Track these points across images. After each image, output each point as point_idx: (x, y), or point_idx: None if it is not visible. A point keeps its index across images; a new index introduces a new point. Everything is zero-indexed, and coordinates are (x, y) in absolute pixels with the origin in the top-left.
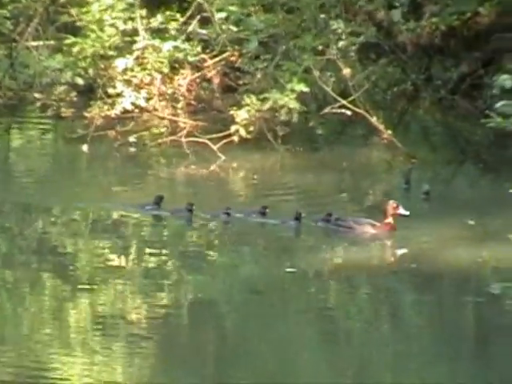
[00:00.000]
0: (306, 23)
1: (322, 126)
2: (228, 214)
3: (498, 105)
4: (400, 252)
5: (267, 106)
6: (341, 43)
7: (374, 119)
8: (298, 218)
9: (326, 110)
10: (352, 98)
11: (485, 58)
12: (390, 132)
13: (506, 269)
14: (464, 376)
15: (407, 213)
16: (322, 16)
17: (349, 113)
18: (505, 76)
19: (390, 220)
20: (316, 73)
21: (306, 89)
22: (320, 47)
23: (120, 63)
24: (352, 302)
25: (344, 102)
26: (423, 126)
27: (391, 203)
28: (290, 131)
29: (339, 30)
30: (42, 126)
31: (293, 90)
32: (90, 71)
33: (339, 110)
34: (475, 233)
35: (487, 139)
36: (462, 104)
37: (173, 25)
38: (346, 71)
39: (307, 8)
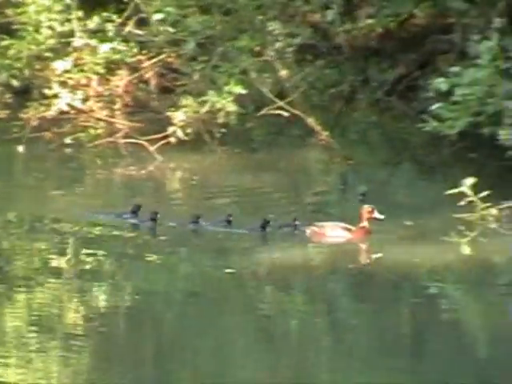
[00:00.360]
0: (242, 25)
1: (259, 127)
2: (196, 222)
3: (434, 107)
4: (338, 252)
5: (205, 109)
6: (278, 45)
7: (311, 120)
8: (263, 227)
9: (264, 111)
10: (289, 99)
11: (421, 59)
12: (326, 133)
13: (442, 269)
14: (400, 376)
15: (382, 217)
16: (259, 17)
17: (286, 114)
18: (440, 79)
19: (364, 224)
20: (253, 74)
21: (243, 91)
22: (257, 49)
23: (59, 65)
24: (289, 303)
25: (281, 103)
26: (360, 127)
27: (366, 207)
28: (227, 132)
29: (276, 32)
30: None
31: (230, 92)
32: (26, 72)
33: (276, 112)
34: (412, 233)
35: (423, 141)
36: (398, 105)
37: (110, 26)
38: (283, 73)
39: (244, 9)
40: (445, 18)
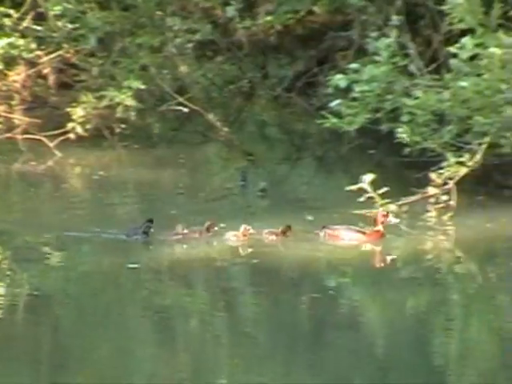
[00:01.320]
0: (142, 20)
1: (159, 123)
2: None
3: (333, 104)
4: (240, 248)
5: (104, 103)
6: (177, 40)
7: (210, 116)
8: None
9: (163, 107)
10: (189, 95)
11: (319, 56)
12: (226, 129)
13: (342, 264)
14: (299, 372)
15: (397, 221)
16: (159, 13)
17: (186, 110)
18: (339, 75)
19: (379, 228)
20: (153, 70)
21: (142, 86)
22: (157, 44)
23: None
24: (189, 300)
25: (181, 99)
26: (260, 123)
27: (381, 211)
28: (127, 128)
29: (175, 28)
30: None
31: (130, 88)
32: None
33: (176, 107)
34: (313, 228)
35: (323, 137)
36: (298, 102)
37: (7, 21)
38: (183, 68)
39: (143, 5)
40: (343, 15)
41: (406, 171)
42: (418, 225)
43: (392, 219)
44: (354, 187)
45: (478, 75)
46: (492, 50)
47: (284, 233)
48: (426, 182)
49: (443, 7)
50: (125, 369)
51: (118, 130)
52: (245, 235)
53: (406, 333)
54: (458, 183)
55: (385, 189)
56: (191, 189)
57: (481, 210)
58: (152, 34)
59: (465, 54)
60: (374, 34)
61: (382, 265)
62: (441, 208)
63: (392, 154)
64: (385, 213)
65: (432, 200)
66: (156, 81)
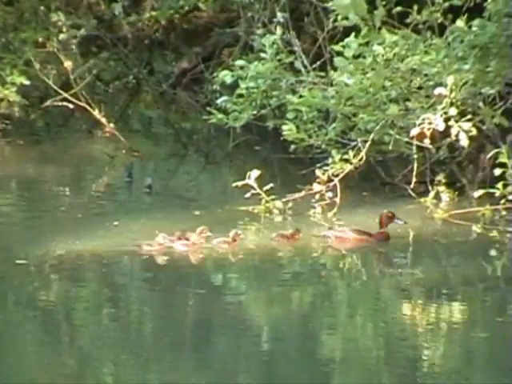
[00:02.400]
0: (26, 15)
1: (43, 119)
2: None
3: (219, 100)
4: (128, 244)
5: None
6: (62, 36)
7: (96, 112)
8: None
9: (48, 102)
10: (74, 90)
11: (205, 52)
12: (112, 125)
13: (227, 260)
14: (185, 371)
15: (402, 222)
16: (43, 8)
17: (71, 106)
18: (225, 71)
19: (385, 229)
20: (37, 65)
21: (26, 81)
22: (41, 40)
23: None
24: (78, 296)
25: (66, 94)
26: (146, 119)
27: (386, 213)
28: (11, 124)
29: (60, 23)
30: None
31: (13, 83)
32: None
33: (61, 103)
34: (201, 224)
35: (208, 133)
36: (184, 98)
37: None
38: (68, 64)
39: (27, 0)
40: (229, 12)
41: (291, 168)
42: (303, 221)
43: (397, 220)
44: (240, 183)
45: (363, 73)
46: (376, 47)
47: (293, 236)
48: (312, 179)
49: (327, 4)
50: (5, 367)
51: (1, 126)
52: (235, 240)
53: (290, 329)
54: (342, 180)
55: (270, 185)
56: (77, 185)
57: (365, 207)
58: (36, 29)
59: (349, 53)
60: (259, 31)
61: (268, 261)
62: (326, 205)
63: (278, 151)
64: (390, 214)
65: (317, 197)
66: (40, 76)
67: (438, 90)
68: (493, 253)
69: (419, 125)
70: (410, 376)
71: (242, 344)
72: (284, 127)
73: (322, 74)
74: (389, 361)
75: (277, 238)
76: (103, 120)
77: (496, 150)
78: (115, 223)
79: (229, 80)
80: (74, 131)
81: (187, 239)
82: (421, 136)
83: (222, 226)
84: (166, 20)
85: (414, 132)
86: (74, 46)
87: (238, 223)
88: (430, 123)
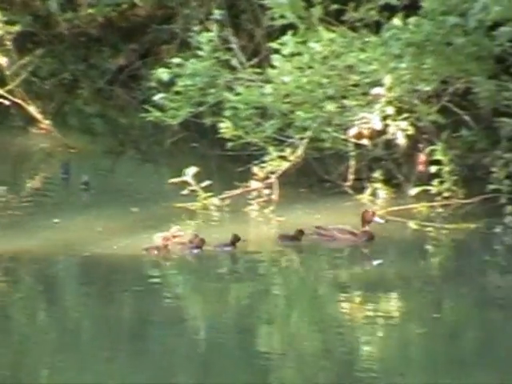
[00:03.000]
0: None
1: None
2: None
3: (156, 97)
4: (68, 242)
5: None
6: None
7: (32, 109)
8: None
9: None
10: (9, 87)
11: (142, 49)
12: (48, 122)
13: (165, 258)
14: (122, 367)
15: (382, 221)
16: None
17: (7, 102)
18: (162, 69)
19: (367, 228)
20: None
21: None
22: None
23: None
24: (12, 293)
25: (1, 91)
26: (82, 116)
27: (367, 211)
28: None
29: None
30: None
31: None
32: None
33: None
34: (138, 221)
35: (146, 130)
36: (121, 95)
37: None
38: (3, 60)
39: None
40: (166, 9)
41: (229, 165)
42: (240, 218)
43: (377, 219)
44: (177, 180)
45: (300, 70)
46: (313, 45)
47: (296, 237)
48: (249, 176)
49: (264, 2)
50: None
51: None
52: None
53: (228, 325)
54: (280, 177)
55: (208, 182)
56: (13, 182)
57: (303, 203)
58: None
59: (286, 51)
60: (196, 28)
61: (205, 258)
62: (263, 201)
63: (215, 148)
64: (371, 213)
65: (254, 194)
66: None
67: (375, 90)
68: (429, 249)
69: (357, 124)
70: (346, 371)
71: (180, 339)
72: (221, 125)
73: (260, 70)
74: (326, 355)
75: (280, 241)
76: (39, 116)
77: (431, 148)
78: (55, 220)
79: (166, 77)
80: (9, 128)
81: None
82: (358, 135)
83: (159, 222)
84: (103, 17)
85: (352, 132)
86: (9, 43)
87: (174, 220)
88: (367, 122)
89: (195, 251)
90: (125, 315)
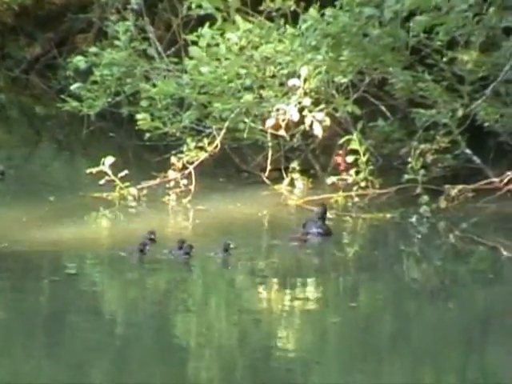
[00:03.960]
0: None
1: None
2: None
3: (73, 87)
4: None
5: None
6: None
7: None
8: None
9: None
10: None
11: (58, 38)
12: None
13: (81, 248)
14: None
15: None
16: None
17: None
18: (79, 57)
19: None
20: None
21: None
22: None
23: None
24: None
25: None
26: None
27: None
28: None
29: None
30: None
31: None
32: None
33: None
34: (54, 212)
35: (62, 120)
36: (37, 84)
37: None
38: None
39: None
40: None
41: (146, 155)
42: (157, 208)
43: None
44: (94, 170)
45: (217, 61)
46: (230, 35)
47: (303, 238)
48: (167, 166)
49: None
50: None
51: None
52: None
53: (144, 315)
54: (197, 167)
55: (125, 172)
56: None
57: (220, 193)
58: None
59: (203, 42)
60: (113, 18)
61: (124, 245)
62: (181, 191)
63: (133, 138)
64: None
65: (172, 184)
66: None
67: (291, 82)
68: (345, 239)
69: (274, 115)
70: (263, 360)
71: (95, 330)
72: (138, 116)
73: (177, 60)
74: (243, 345)
75: (292, 243)
76: None
77: (348, 137)
78: None
79: (82, 65)
80: None
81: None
82: (276, 126)
83: (76, 212)
84: (18, 5)
85: (270, 123)
86: None
87: (91, 210)
88: (284, 113)
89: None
90: (40, 307)
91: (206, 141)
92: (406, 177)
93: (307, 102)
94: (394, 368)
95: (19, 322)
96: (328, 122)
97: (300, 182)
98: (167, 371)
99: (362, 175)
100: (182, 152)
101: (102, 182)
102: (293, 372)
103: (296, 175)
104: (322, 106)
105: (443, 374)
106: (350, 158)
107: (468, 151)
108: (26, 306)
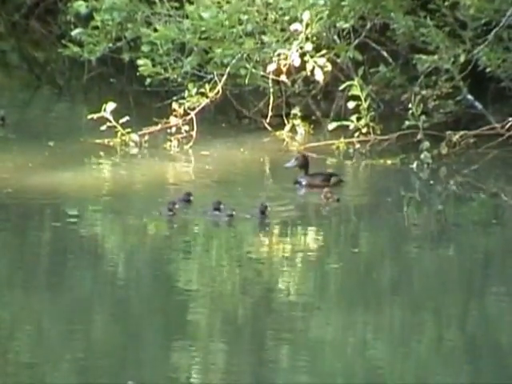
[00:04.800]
0: None
1: None
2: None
3: (74, 32)
4: None
5: None
6: None
7: None
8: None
9: None
10: None
11: None
12: None
13: (82, 193)
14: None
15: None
16: None
17: None
18: (79, 2)
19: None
20: None
21: None
22: None
23: None
24: None
25: None
26: None
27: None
28: None
29: None
30: None
31: None
32: None
33: None
34: (55, 157)
35: (63, 65)
36: (37, 29)
37: None
38: None
39: None
40: None
41: (147, 101)
42: (159, 154)
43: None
44: (95, 116)
45: (219, 6)
46: None
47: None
48: (168, 112)
49: None
50: None
51: None
52: None
53: (146, 259)
54: (199, 113)
55: (126, 118)
56: None
57: (222, 139)
58: None
59: None
60: None
61: (125, 192)
62: (182, 138)
63: (134, 84)
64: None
65: (173, 130)
66: None
67: (293, 26)
68: (346, 185)
69: (275, 60)
70: (265, 304)
71: (96, 274)
72: (139, 62)
73: (178, 5)
74: (244, 290)
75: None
76: None
77: (349, 83)
78: None
79: (83, 10)
80: None
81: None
82: (277, 71)
83: (76, 158)
84: None
85: (271, 68)
86: None
87: (92, 156)
88: (285, 59)
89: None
90: (41, 251)
91: (207, 87)
92: (407, 123)
93: (309, 47)
94: (394, 312)
95: (20, 265)
96: (329, 67)
97: (301, 128)
98: (167, 315)
99: (363, 121)
100: (183, 98)
101: (103, 127)
102: (294, 317)
103: (297, 121)
104: (324, 51)
105: (443, 316)
106: (351, 104)
107: (470, 97)
108: (26, 249)
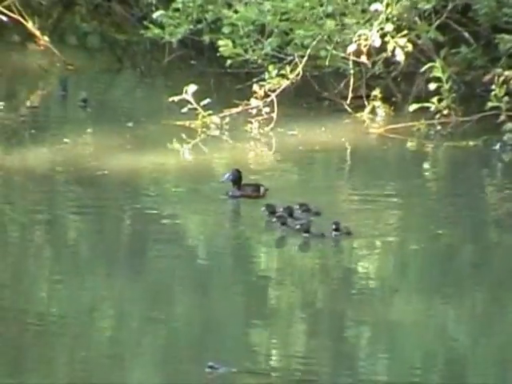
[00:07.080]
0: None
1: None
2: None
3: (155, 15)
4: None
5: None
6: None
7: (30, 25)
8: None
9: None
10: (6, 2)
11: None
12: (46, 38)
13: (164, 175)
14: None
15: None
16: None
17: (4, 18)
18: None
19: None
20: None
21: None
22: None
23: None
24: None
25: None
26: (80, 32)
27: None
28: None
29: None
30: None
31: None
32: None
33: None
34: (137, 138)
35: (144, 47)
36: (119, 11)
37: None
38: None
39: None
40: None
41: (228, 82)
42: (240, 136)
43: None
44: (176, 98)
45: None
46: None
47: None
48: (248, 94)
49: None
50: None
51: None
52: None
53: (226, 245)
54: (278, 95)
55: (207, 100)
56: (10, 99)
57: (302, 121)
58: None
59: None
60: None
61: (205, 176)
62: (263, 120)
63: (214, 66)
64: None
65: (254, 112)
66: None
67: (374, 6)
68: (427, 167)
69: (356, 41)
70: (344, 288)
71: (177, 258)
72: (220, 43)
73: None
74: (322, 273)
75: None
76: (37, 33)
77: (430, 64)
78: (65, 140)
79: None
80: (7, 44)
81: None
82: (357, 52)
83: (158, 140)
84: None
85: (351, 49)
86: None
87: (173, 138)
88: (366, 39)
89: None
90: (122, 233)
91: (287, 68)
92: (490, 104)
93: (389, 28)
94: (475, 295)
95: (101, 247)
96: (410, 48)
97: (381, 110)
98: (248, 299)
99: (444, 103)
100: (263, 80)
101: (184, 109)
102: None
103: (377, 103)
104: (405, 32)
105: None
106: (432, 86)
107: None
108: (108, 231)
